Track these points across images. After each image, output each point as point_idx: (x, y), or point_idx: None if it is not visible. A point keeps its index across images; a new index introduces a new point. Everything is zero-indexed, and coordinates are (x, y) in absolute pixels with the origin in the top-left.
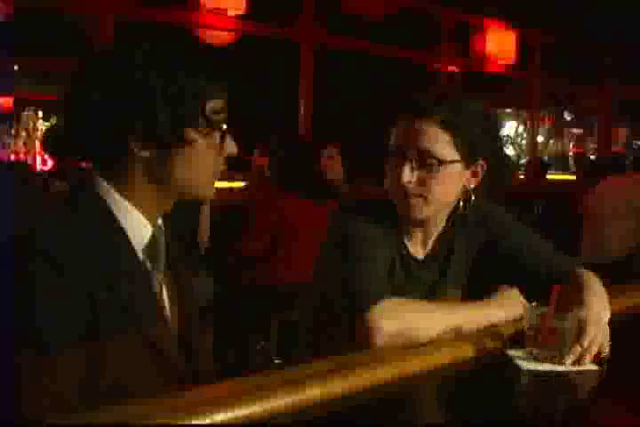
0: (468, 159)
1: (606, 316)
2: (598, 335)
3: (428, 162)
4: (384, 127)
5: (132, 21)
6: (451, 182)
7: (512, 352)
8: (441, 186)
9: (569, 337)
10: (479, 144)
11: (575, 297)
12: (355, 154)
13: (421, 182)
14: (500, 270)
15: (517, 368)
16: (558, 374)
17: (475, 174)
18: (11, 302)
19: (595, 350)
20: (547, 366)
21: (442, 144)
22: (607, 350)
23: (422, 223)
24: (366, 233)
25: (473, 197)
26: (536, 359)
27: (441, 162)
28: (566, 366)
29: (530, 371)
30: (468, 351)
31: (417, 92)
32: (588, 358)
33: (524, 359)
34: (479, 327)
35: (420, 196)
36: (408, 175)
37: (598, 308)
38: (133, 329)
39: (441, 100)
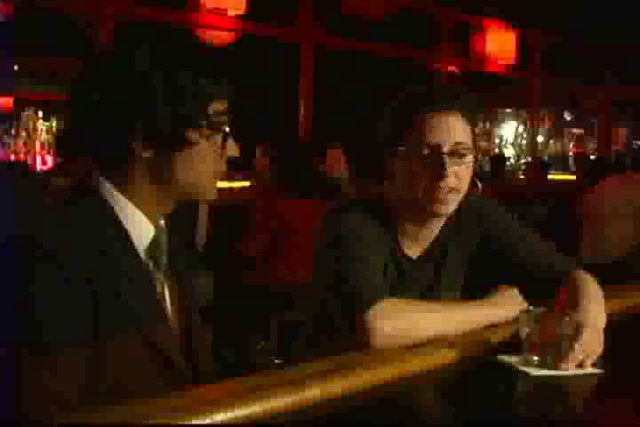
0: (475, 150)
1: (603, 320)
2: (594, 341)
3: (462, 152)
4: (392, 128)
5: (132, 21)
6: (471, 173)
7: (508, 358)
8: (468, 176)
9: (566, 342)
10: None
11: (572, 300)
12: (355, 154)
13: (456, 175)
14: (496, 270)
15: (524, 374)
16: (559, 378)
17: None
18: (11, 302)
19: (591, 355)
20: (551, 371)
21: (468, 135)
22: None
23: (432, 220)
24: (359, 233)
25: (480, 185)
26: (535, 365)
27: (469, 152)
28: (568, 370)
29: (537, 377)
30: (467, 352)
31: (428, 88)
32: (588, 362)
33: (523, 365)
34: (479, 327)
35: (454, 189)
36: (449, 170)
37: (595, 312)
38: (134, 329)
39: (458, 94)
